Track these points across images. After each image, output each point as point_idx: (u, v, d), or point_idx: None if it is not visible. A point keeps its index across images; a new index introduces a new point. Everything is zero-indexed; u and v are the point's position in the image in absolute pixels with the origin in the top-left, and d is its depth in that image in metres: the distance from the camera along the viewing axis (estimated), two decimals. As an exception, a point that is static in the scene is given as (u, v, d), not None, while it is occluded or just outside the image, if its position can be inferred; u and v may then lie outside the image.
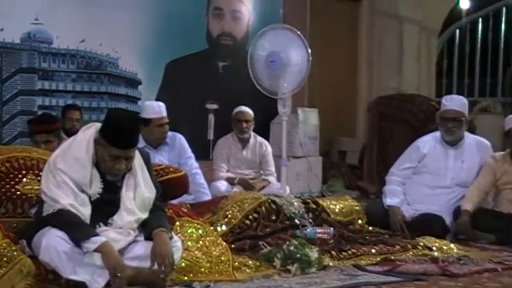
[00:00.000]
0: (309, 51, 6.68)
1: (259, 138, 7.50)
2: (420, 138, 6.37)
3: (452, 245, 5.23)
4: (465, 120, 6.14)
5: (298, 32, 6.76)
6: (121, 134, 3.76)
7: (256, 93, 6.88)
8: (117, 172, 3.83)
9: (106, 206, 3.83)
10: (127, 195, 3.88)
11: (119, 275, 3.57)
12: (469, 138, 6.23)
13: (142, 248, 3.82)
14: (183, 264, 4.05)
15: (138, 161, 3.95)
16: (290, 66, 6.68)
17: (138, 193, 3.91)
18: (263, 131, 7.97)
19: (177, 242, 3.93)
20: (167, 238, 3.82)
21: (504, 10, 11.04)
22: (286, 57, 6.64)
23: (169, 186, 4.42)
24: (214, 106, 8.52)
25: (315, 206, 5.69)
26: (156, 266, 3.73)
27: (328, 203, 5.86)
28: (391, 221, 5.88)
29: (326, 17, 9.72)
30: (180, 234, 4.22)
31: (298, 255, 4.38)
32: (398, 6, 10.53)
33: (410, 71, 10.72)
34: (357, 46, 10.37)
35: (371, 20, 10.33)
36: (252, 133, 7.44)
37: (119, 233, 3.81)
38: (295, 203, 5.58)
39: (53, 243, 3.61)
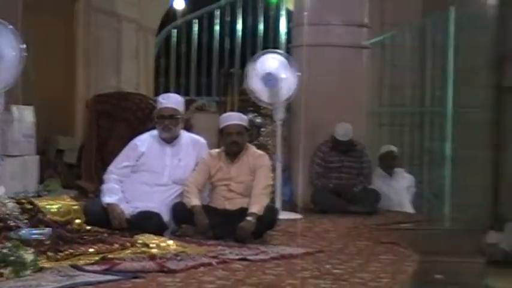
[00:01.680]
0: (22, 46, 6.47)
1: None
2: (138, 136, 6.42)
3: (170, 242, 5.32)
4: (181, 118, 6.29)
5: (10, 26, 6.52)
6: None
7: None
8: None
9: None
10: None
11: None
12: (185, 136, 6.38)
13: None
14: None
15: None
16: (3, 63, 6.41)
17: None
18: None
19: None
20: None
21: (218, 12, 11.44)
22: (-1, 54, 6.38)
23: None
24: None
25: (30, 207, 5.56)
26: None
27: (45, 203, 5.78)
28: (112, 217, 5.87)
29: (41, 13, 9.44)
30: None
31: (12, 258, 4.23)
32: (115, 4, 10.55)
33: (129, 70, 10.79)
34: (74, 43, 10.20)
35: (88, 17, 10.22)
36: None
37: None
38: (9, 204, 5.42)
39: None
